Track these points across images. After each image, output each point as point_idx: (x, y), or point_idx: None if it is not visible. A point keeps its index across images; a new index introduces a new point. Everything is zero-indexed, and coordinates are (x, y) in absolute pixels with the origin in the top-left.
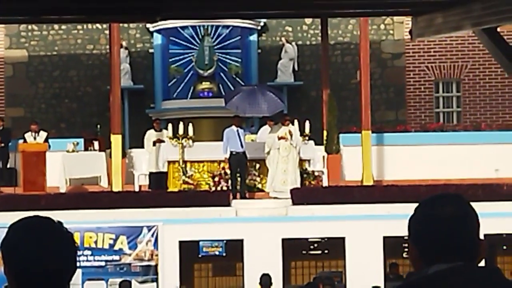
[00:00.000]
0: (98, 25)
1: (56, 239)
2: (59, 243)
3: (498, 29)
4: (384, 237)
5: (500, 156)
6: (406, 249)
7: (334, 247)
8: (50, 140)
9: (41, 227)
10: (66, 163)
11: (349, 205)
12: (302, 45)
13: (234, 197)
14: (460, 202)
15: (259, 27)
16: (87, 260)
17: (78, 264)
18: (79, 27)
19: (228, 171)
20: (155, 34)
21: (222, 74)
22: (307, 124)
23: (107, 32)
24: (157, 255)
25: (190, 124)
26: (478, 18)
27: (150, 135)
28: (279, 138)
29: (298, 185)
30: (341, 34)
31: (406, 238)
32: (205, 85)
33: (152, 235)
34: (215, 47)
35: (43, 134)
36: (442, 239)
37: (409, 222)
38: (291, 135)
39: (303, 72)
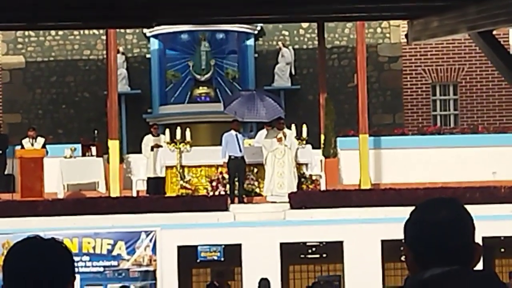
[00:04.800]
0: (95, 30)
1: (46, 253)
2: (49, 257)
3: (494, 32)
4: (382, 241)
5: (498, 158)
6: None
7: (332, 251)
8: (47, 146)
9: (31, 244)
10: (63, 169)
11: (347, 208)
12: (299, 49)
13: (232, 202)
14: (455, 206)
15: (255, 32)
16: (86, 266)
17: (76, 270)
18: (75, 33)
19: (226, 176)
20: (152, 39)
21: (219, 79)
22: (304, 128)
23: (104, 37)
24: (155, 260)
25: (188, 129)
26: (473, 21)
27: (148, 140)
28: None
29: (295, 189)
30: (338, 38)
31: (403, 241)
32: (202, 90)
33: (150, 240)
34: (212, 52)
35: (40, 140)
36: (437, 243)
37: (404, 226)
38: (285, 137)
39: (300, 76)
